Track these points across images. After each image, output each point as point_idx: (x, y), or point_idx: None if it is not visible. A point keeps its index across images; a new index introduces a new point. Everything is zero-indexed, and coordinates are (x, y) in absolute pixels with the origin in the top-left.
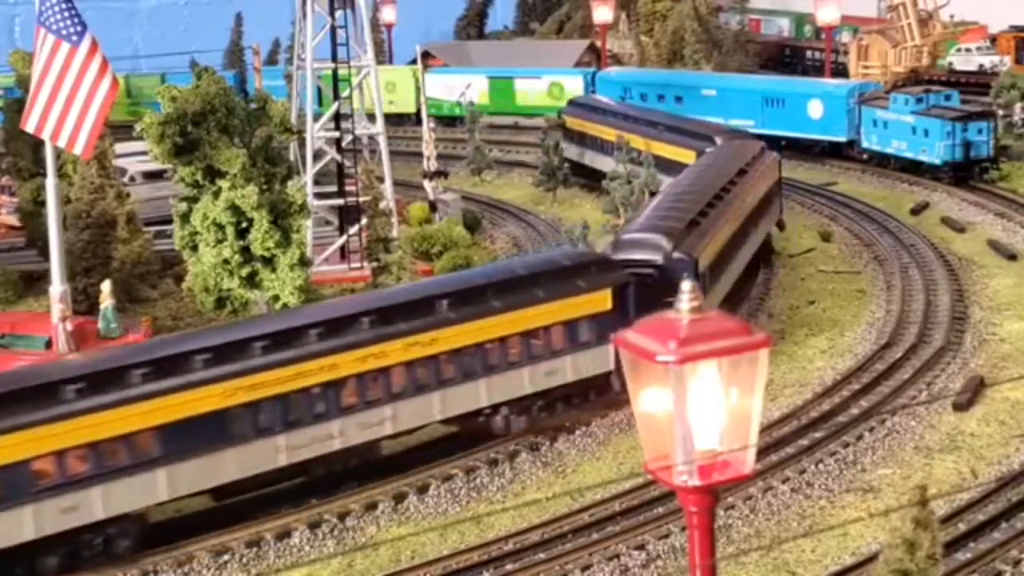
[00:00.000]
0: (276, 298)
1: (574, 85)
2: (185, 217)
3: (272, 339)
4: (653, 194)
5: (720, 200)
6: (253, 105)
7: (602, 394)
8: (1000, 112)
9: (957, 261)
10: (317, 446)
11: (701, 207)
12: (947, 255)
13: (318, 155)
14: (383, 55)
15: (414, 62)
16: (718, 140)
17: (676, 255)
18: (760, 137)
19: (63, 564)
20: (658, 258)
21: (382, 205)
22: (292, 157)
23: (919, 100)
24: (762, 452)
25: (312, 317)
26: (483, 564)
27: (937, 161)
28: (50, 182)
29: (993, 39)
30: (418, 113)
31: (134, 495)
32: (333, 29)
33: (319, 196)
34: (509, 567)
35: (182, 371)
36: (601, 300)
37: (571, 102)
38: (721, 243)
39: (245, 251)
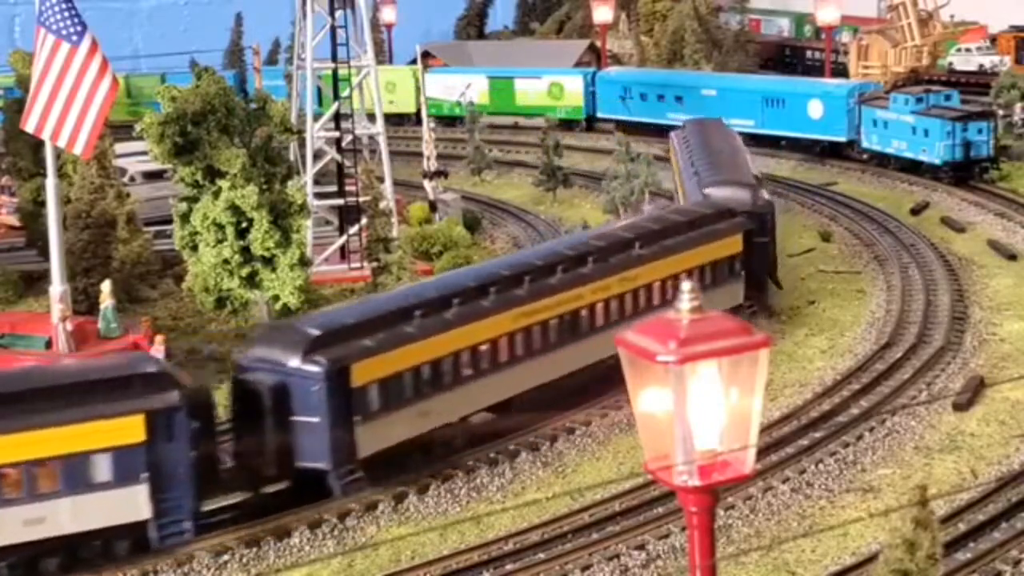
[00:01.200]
0: (276, 298)
1: (574, 85)
2: (185, 217)
3: None
4: (656, 194)
5: (508, 286)
6: (253, 105)
7: (139, 549)
8: (1000, 112)
9: (957, 261)
10: None
11: (442, 295)
12: (947, 255)
13: (318, 155)
14: (383, 55)
15: (414, 62)
16: (709, 192)
17: (312, 361)
18: (760, 137)
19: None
20: (290, 363)
21: (382, 205)
22: (292, 157)
23: (919, 100)
24: (762, 452)
25: None
26: (483, 564)
27: (937, 161)
28: (50, 182)
29: (993, 39)
30: (418, 113)
31: None
32: (333, 29)
33: (319, 196)
34: (509, 567)
35: None
36: (127, 429)
37: (685, 123)
38: (441, 352)
39: (245, 251)
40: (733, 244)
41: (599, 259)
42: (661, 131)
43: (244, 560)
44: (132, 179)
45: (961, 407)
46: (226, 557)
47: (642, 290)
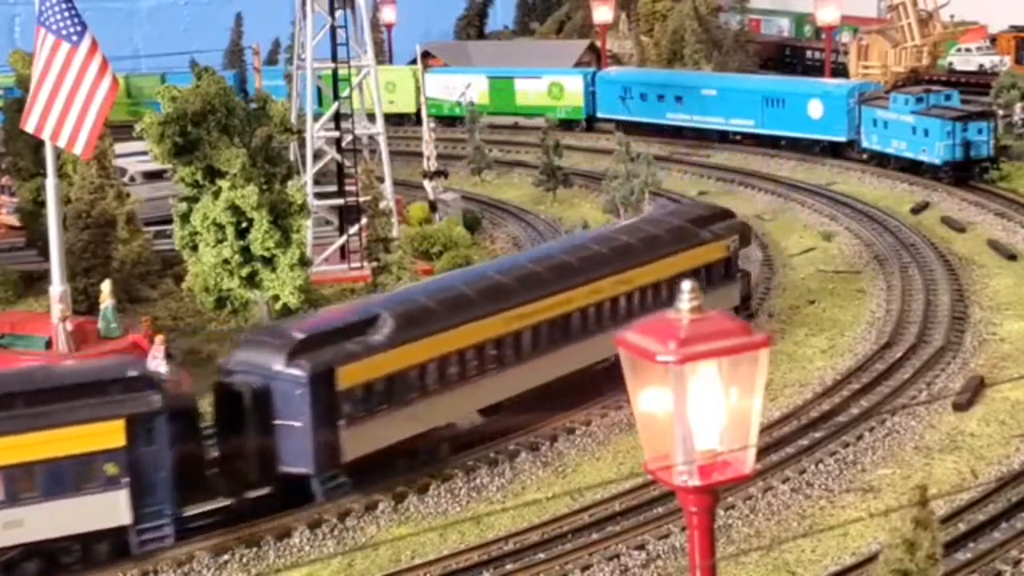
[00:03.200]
0: (276, 298)
1: (574, 85)
2: (185, 217)
3: None
4: (656, 194)
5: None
6: (253, 105)
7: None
8: (1000, 112)
9: (957, 261)
10: None
11: None
12: (947, 255)
13: (318, 155)
14: (383, 55)
15: (414, 62)
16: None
17: None
18: (760, 137)
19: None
20: None
21: (382, 205)
22: (292, 157)
23: (919, 100)
24: (762, 452)
25: None
26: (483, 564)
27: (937, 161)
28: (50, 182)
29: (993, 39)
30: (418, 113)
31: None
32: (333, 29)
33: (319, 196)
34: (509, 567)
35: None
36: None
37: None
38: None
39: (245, 251)
40: (103, 435)
41: None
42: (661, 131)
43: (244, 560)
44: (132, 179)
45: (961, 407)
46: (226, 557)
47: None
